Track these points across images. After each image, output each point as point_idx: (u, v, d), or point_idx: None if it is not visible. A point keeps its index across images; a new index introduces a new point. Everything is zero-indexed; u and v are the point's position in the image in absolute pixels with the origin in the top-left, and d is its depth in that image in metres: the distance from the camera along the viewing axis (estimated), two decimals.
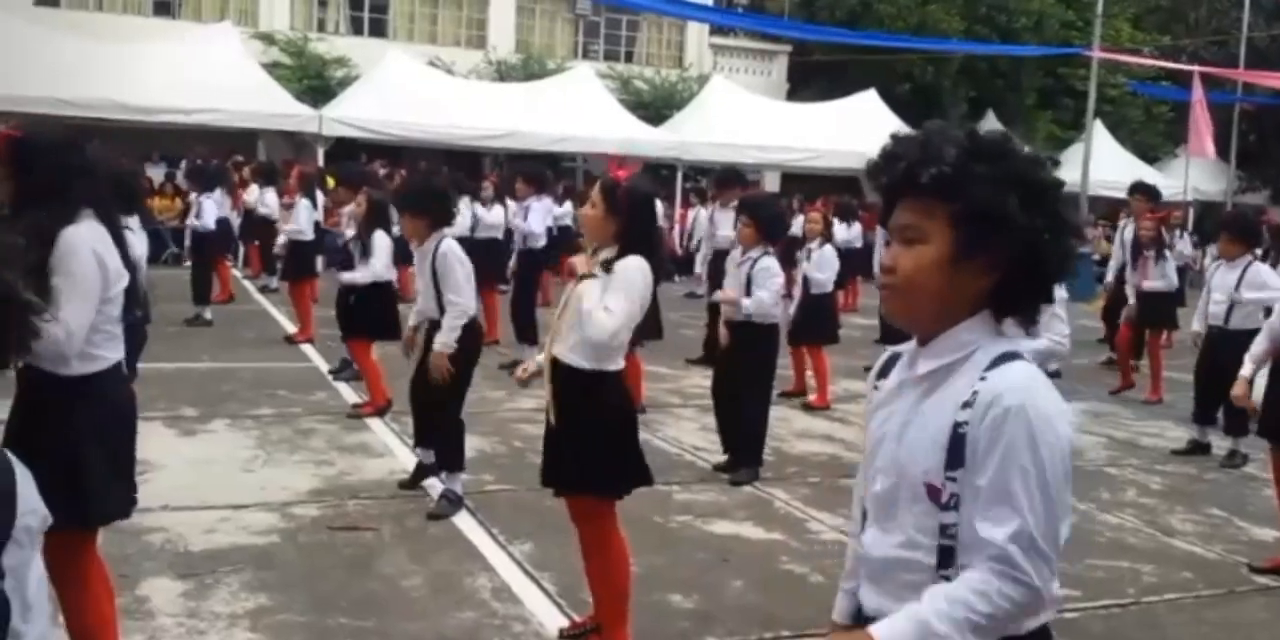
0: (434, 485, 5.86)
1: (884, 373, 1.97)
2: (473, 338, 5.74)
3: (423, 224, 5.78)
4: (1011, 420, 1.69)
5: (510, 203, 11.57)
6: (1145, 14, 28.49)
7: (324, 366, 9.37)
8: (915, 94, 24.78)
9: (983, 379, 1.75)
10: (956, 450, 1.74)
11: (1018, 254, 1.76)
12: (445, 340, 5.51)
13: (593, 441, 3.85)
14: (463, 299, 5.58)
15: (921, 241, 1.78)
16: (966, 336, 1.80)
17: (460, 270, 5.62)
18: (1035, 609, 1.75)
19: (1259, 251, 8.36)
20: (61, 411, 3.15)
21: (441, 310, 5.60)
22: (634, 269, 3.80)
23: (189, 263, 15.67)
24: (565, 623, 4.26)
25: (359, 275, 7.64)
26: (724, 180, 10.89)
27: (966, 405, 1.74)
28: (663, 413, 8.17)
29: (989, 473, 1.71)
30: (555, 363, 3.91)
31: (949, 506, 1.75)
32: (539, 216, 10.56)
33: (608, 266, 3.82)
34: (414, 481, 6.01)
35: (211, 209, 12.27)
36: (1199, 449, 7.78)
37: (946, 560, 1.77)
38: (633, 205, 3.88)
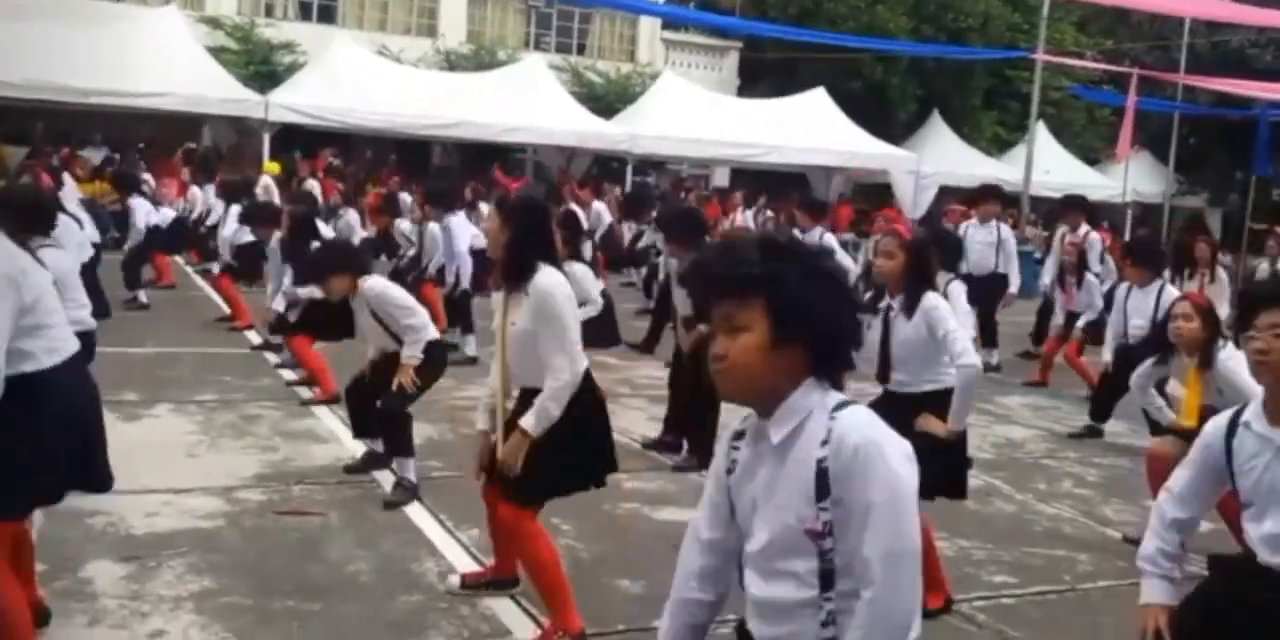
0: (384, 475, 5.85)
1: (733, 448, 2.19)
2: (439, 357, 5.79)
3: (345, 282, 5.70)
4: (861, 454, 1.95)
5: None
6: (1090, 18, 28.94)
7: (271, 357, 9.27)
8: (865, 92, 25.00)
9: (833, 418, 2.01)
10: (822, 483, 1.98)
11: (822, 333, 2.04)
12: (411, 353, 5.56)
13: (547, 449, 3.84)
14: (416, 320, 5.62)
15: (744, 330, 2.03)
16: (802, 402, 2.05)
17: (396, 299, 5.66)
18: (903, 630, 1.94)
19: (1167, 274, 8.60)
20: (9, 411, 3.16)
21: (397, 342, 5.64)
22: (549, 291, 3.83)
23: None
24: (516, 611, 4.27)
25: (303, 292, 7.65)
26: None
27: (824, 443, 1.99)
28: (612, 402, 8.08)
29: (852, 500, 1.95)
30: (523, 392, 3.96)
31: (825, 533, 1.99)
32: (465, 226, 10.14)
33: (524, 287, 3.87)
34: (363, 467, 6.00)
35: (142, 209, 11.95)
36: (1093, 433, 8.30)
37: (827, 584, 2.01)
38: (524, 215, 3.96)
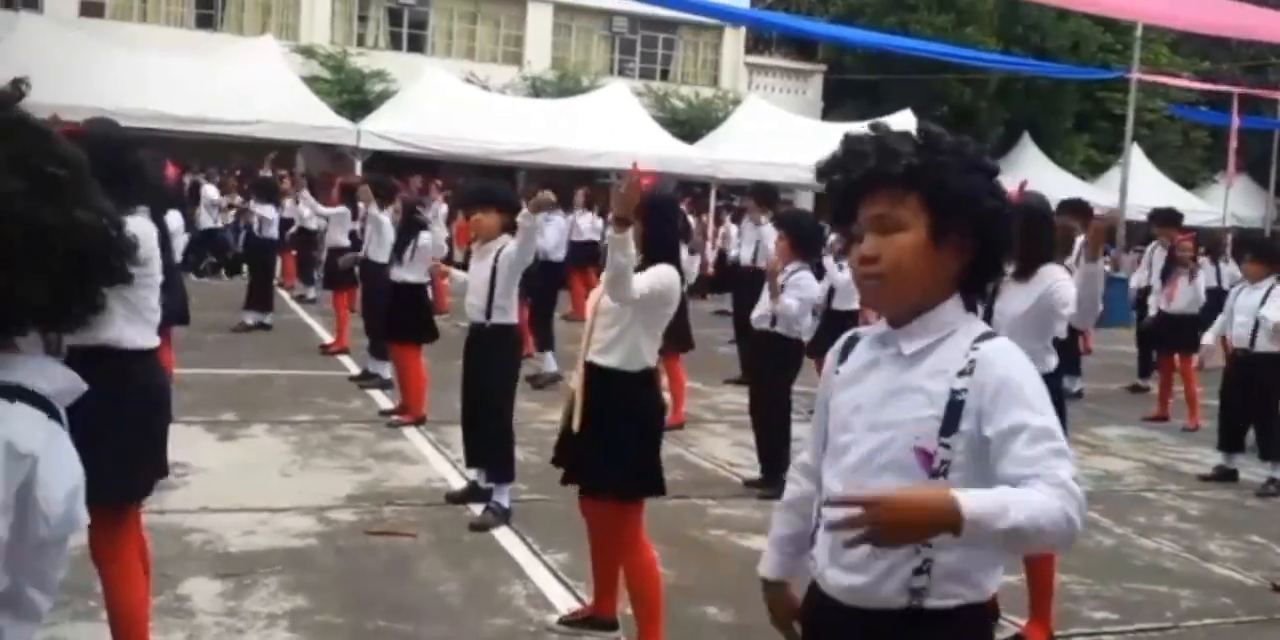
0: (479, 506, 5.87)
1: (844, 357, 2.04)
2: (516, 344, 5.83)
3: (493, 221, 5.72)
4: (1004, 392, 1.80)
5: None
6: (1184, 39, 28.35)
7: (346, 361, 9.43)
8: (951, 116, 24.74)
9: (975, 349, 1.86)
10: (953, 416, 1.83)
11: (980, 234, 1.89)
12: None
13: (619, 442, 3.89)
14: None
15: (900, 229, 1.87)
16: (947, 317, 1.91)
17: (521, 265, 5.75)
18: (1069, 540, 1.74)
19: None
20: (96, 387, 3.18)
21: (489, 311, 5.62)
22: (658, 273, 3.91)
23: (226, 272, 16.02)
24: (606, 633, 4.26)
25: (408, 274, 7.77)
26: (758, 195, 11.03)
27: (963, 373, 1.84)
28: (697, 428, 8.16)
29: (1005, 429, 1.77)
30: (588, 367, 3.98)
31: (939, 473, 1.82)
32: (555, 231, 10.50)
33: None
34: (462, 499, 5.93)
35: (275, 219, 12.47)
36: (1226, 475, 7.64)
37: None
38: (656, 211, 4.00)
